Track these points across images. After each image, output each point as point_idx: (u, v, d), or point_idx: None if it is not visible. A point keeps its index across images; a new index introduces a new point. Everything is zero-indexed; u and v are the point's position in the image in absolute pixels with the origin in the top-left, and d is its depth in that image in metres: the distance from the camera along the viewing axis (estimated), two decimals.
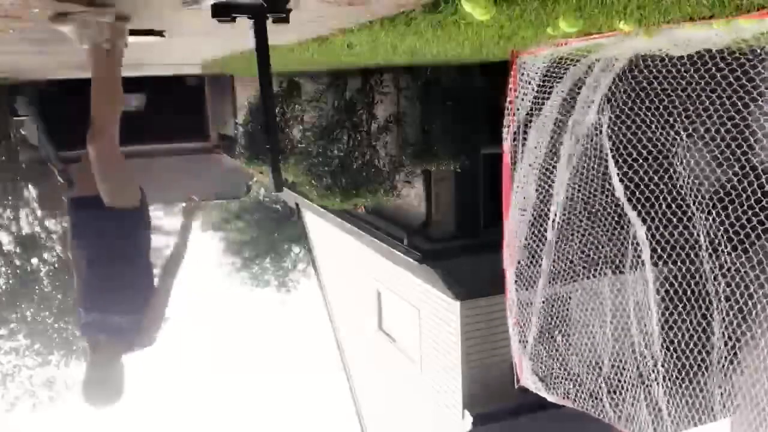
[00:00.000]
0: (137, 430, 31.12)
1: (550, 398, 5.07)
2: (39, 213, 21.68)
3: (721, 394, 4.47)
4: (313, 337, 38.10)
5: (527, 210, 4.45)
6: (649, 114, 4.14)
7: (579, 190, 4.53)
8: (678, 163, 3.81)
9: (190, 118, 18.45)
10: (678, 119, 3.82)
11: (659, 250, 4.34)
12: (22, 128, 18.62)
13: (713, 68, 3.71)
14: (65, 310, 23.98)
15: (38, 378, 23.72)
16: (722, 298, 3.96)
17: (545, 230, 4.47)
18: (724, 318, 4.02)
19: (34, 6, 2.54)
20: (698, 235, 4.03)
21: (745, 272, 4.59)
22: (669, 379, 4.37)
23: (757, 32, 2.53)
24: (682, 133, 3.76)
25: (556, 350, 5.30)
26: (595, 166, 4.41)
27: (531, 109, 4.17)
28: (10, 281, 22.43)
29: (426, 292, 9.66)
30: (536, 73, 4.03)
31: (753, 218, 4.40)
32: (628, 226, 4.36)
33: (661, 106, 3.79)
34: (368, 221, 10.08)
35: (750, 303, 4.68)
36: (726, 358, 4.36)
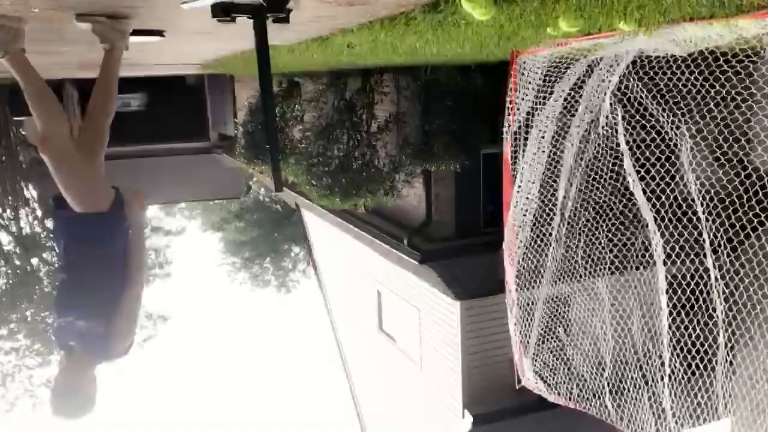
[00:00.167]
0: (137, 430, 31.11)
1: (552, 398, 5.07)
2: (39, 213, 21.67)
3: (724, 394, 4.47)
4: (313, 337, 38.17)
5: (528, 210, 4.45)
6: (652, 113, 4.14)
7: (584, 190, 4.53)
8: (683, 163, 3.81)
9: (190, 118, 18.45)
10: (681, 119, 3.82)
11: (668, 249, 4.35)
12: (22, 128, 18.62)
13: (716, 69, 3.71)
14: None
15: (38, 378, 23.74)
16: (722, 299, 3.96)
17: (547, 230, 4.48)
18: (724, 319, 4.02)
19: (35, 6, 2.54)
20: (699, 235, 4.03)
21: (744, 273, 4.59)
22: (675, 379, 4.37)
23: (757, 32, 2.53)
24: (686, 133, 3.76)
25: (559, 350, 5.31)
26: (602, 165, 4.41)
27: (531, 109, 4.17)
28: (10, 281, 22.42)
29: (426, 292, 9.66)
30: (536, 73, 4.03)
31: (753, 219, 4.41)
32: (635, 225, 4.37)
33: (664, 106, 3.79)
34: (368, 221, 10.08)
35: (749, 304, 4.69)
36: (726, 358, 4.36)
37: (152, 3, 2.72)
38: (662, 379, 4.34)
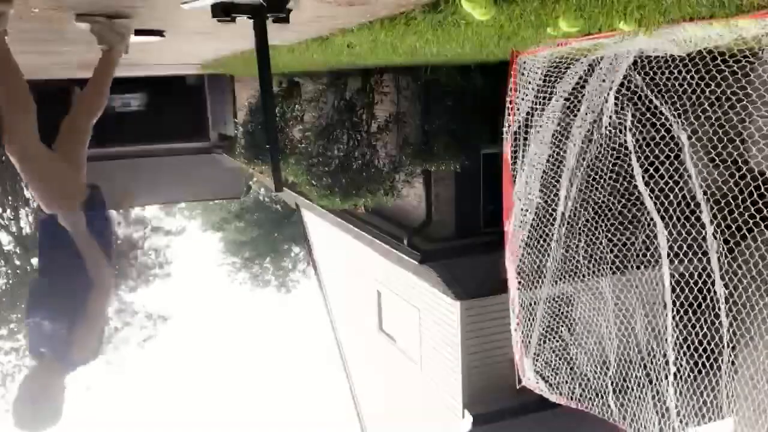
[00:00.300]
0: (137, 430, 31.10)
1: (553, 398, 5.07)
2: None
3: (728, 393, 4.47)
4: (313, 337, 38.16)
5: (530, 209, 4.45)
6: (653, 113, 4.14)
7: (585, 189, 4.53)
8: (685, 164, 3.81)
9: (190, 118, 18.45)
10: (681, 119, 3.82)
11: (675, 248, 4.35)
12: None
13: (713, 69, 3.71)
14: None
15: None
16: (722, 299, 3.96)
17: (548, 229, 4.48)
18: (724, 319, 4.02)
19: (34, 6, 2.54)
20: (699, 234, 4.03)
21: (742, 274, 4.59)
22: (680, 377, 4.36)
23: (757, 32, 2.53)
24: (684, 133, 3.77)
25: (561, 350, 5.31)
26: (604, 165, 4.41)
27: (531, 109, 4.17)
28: (10, 281, 22.43)
29: (426, 292, 9.66)
30: (536, 73, 4.03)
31: (749, 220, 4.41)
32: (636, 225, 4.37)
33: (665, 105, 3.79)
34: (368, 221, 10.08)
35: (748, 305, 4.69)
36: (729, 357, 4.37)
37: (152, 3, 2.72)
38: (666, 377, 4.34)
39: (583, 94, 3.96)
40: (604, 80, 3.78)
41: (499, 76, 4.59)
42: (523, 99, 4.14)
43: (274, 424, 34.23)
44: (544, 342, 5.05)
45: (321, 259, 14.57)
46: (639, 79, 3.73)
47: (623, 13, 2.55)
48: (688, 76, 3.74)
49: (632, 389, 4.90)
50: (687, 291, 4.63)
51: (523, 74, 4.08)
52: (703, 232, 3.86)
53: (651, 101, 3.78)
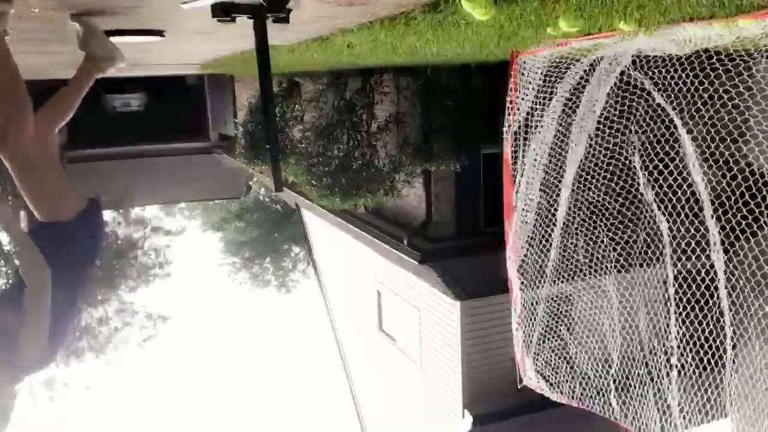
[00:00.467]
0: (137, 430, 31.12)
1: (554, 397, 5.07)
2: None
3: (729, 392, 4.47)
4: (313, 337, 38.17)
5: (530, 209, 4.46)
6: (654, 111, 4.14)
7: (585, 189, 4.53)
8: (686, 163, 3.82)
9: (190, 118, 18.46)
10: (680, 119, 3.83)
11: (683, 245, 4.36)
12: None
13: (709, 69, 3.72)
14: None
15: (38, 378, 23.74)
16: (725, 297, 3.96)
17: (549, 229, 4.48)
18: (726, 317, 4.02)
19: (34, 6, 2.54)
20: (697, 232, 4.04)
21: (739, 273, 4.60)
22: (684, 375, 4.37)
23: (757, 32, 2.53)
24: (684, 129, 3.77)
25: (561, 348, 5.31)
26: (603, 164, 4.41)
27: (531, 109, 4.17)
28: (10, 281, 22.40)
29: (426, 292, 9.66)
30: (536, 73, 4.03)
31: (742, 220, 4.42)
32: (636, 223, 4.37)
33: (663, 105, 3.79)
34: (368, 221, 10.08)
35: (745, 305, 4.69)
36: (730, 356, 4.37)
37: (152, 3, 2.72)
38: (668, 375, 4.34)
39: (583, 94, 3.96)
40: (600, 80, 3.79)
41: (499, 76, 4.59)
42: (523, 99, 4.14)
43: (274, 424, 34.26)
44: (545, 341, 5.05)
45: (321, 259, 14.57)
46: (641, 76, 3.73)
47: (623, 13, 2.55)
48: (684, 74, 3.74)
49: (634, 387, 4.90)
50: (692, 288, 4.64)
51: (523, 74, 4.08)
52: (702, 229, 3.86)
53: (653, 99, 3.78)
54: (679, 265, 4.38)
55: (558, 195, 4.34)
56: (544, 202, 4.42)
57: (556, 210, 4.40)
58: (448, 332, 9.29)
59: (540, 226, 4.52)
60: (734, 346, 4.51)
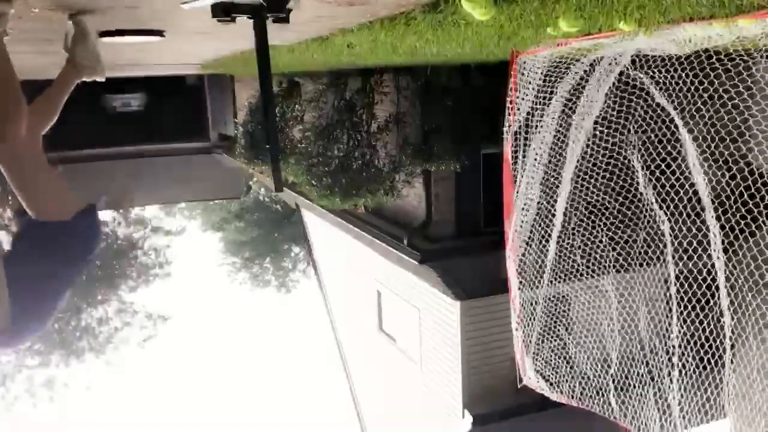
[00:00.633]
0: (137, 430, 31.12)
1: (554, 397, 5.07)
2: None
3: (728, 392, 4.48)
4: (313, 337, 38.16)
5: (530, 209, 4.46)
6: (654, 110, 4.15)
7: (585, 189, 4.53)
8: (687, 163, 3.82)
9: (190, 118, 18.45)
10: (681, 118, 3.83)
11: (684, 245, 4.36)
12: None
13: (708, 69, 3.72)
14: (65, 310, 23.95)
15: (38, 378, 23.76)
16: (725, 297, 3.96)
17: (549, 229, 4.48)
18: (727, 317, 4.02)
19: (34, 6, 2.54)
20: (698, 231, 4.04)
21: (738, 273, 4.60)
22: (685, 374, 4.37)
23: (757, 32, 2.53)
24: (686, 128, 3.77)
25: (562, 348, 5.31)
26: (602, 163, 4.41)
27: (531, 109, 4.17)
28: None
29: (426, 292, 9.66)
30: (536, 73, 4.03)
31: (740, 220, 4.42)
32: (640, 223, 4.37)
33: (664, 105, 3.80)
34: (368, 221, 10.08)
35: (744, 305, 4.69)
36: (728, 356, 4.37)
37: (152, 3, 2.72)
38: (669, 374, 4.35)
39: (583, 94, 3.97)
40: (600, 80, 3.79)
41: (499, 76, 4.59)
42: (523, 99, 4.14)
43: (275, 424, 34.25)
44: (544, 341, 5.05)
45: (321, 259, 14.57)
46: (642, 76, 3.73)
47: (623, 13, 2.55)
48: (683, 74, 3.74)
49: (634, 387, 4.91)
50: (694, 288, 4.64)
51: (523, 74, 4.08)
52: (702, 229, 3.86)
53: (652, 99, 3.79)
54: (680, 264, 4.38)
55: (557, 194, 4.34)
56: (543, 202, 4.43)
57: (555, 210, 4.40)
58: (448, 332, 9.29)
59: (539, 225, 4.52)
60: (733, 346, 4.51)
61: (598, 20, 2.69)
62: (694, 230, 4.36)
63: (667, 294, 4.28)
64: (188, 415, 35.42)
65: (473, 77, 8.23)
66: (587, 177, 4.58)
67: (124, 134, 17.25)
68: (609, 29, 2.81)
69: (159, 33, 3.47)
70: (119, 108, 18.89)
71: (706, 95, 4.09)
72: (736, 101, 4.47)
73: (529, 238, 4.56)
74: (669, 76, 3.76)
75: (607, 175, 4.65)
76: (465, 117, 8.27)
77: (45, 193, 2.45)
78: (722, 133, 5.04)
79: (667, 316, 4.32)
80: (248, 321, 49.66)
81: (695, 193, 3.96)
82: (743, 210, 4.51)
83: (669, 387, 4.36)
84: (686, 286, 4.54)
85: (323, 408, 40.35)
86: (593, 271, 5.03)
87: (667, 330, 4.38)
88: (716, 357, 4.45)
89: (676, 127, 3.72)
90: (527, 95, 4.12)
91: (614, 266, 4.98)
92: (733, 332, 4.23)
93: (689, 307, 4.50)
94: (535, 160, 4.28)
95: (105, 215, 25.48)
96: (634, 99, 4.21)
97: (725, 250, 3.82)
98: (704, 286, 4.46)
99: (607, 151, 4.42)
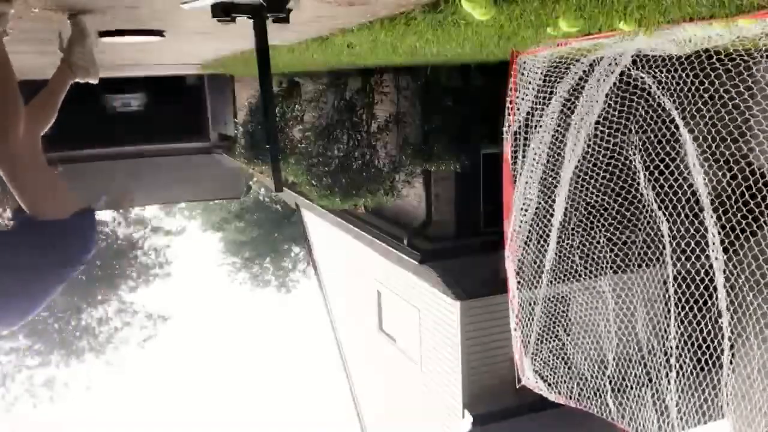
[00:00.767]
0: (137, 430, 31.10)
1: (552, 397, 5.07)
2: None
3: (727, 392, 4.48)
4: (313, 337, 38.15)
5: (530, 209, 4.46)
6: (655, 110, 4.15)
7: (584, 189, 4.53)
8: (687, 163, 3.82)
9: (190, 118, 18.46)
10: (680, 119, 3.83)
11: (683, 245, 4.36)
12: None
13: (709, 68, 3.72)
14: (65, 310, 23.97)
15: (38, 378, 23.76)
16: (723, 297, 3.96)
17: (548, 229, 4.48)
18: (725, 317, 4.02)
19: (34, 6, 2.54)
20: (697, 232, 4.04)
21: (737, 273, 4.60)
22: (683, 375, 4.37)
23: (757, 32, 2.53)
24: (686, 132, 3.77)
25: (559, 349, 5.31)
26: (601, 164, 4.41)
27: (531, 109, 4.17)
28: None
29: (426, 292, 9.66)
30: (536, 73, 4.03)
31: (742, 220, 4.42)
32: (639, 223, 4.37)
33: (664, 105, 3.80)
34: (368, 221, 10.08)
35: (744, 305, 4.69)
36: (728, 357, 4.38)
37: (152, 3, 2.72)
38: (666, 375, 4.35)
39: (583, 94, 3.97)
40: (599, 80, 3.79)
41: (499, 76, 4.59)
42: (523, 99, 4.14)
43: (275, 424, 34.25)
44: (543, 341, 5.05)
45: (321, 259, 14.57)
46: (644, 76, 3.73)
47: (623, 13, 2.55)
48: (684, 74, 3.75)
49: (631, 388, 4.91)
50: (692, 288, 4.64)
51: (523, 74, 4.08)
52: (702, 229, 3.87)
53: (653, 99, 3.79)
54: (678, 265, 4.38)
55: (557, 195, 4.34)
56: (542, 202, 4.43)
57: (554, 210, 4.40)
58: (447, 332, 9.29)
59: (538, 226, 4.52)
60: (732, 346, 4.51)
61: (598, 20, 2.69)
62: (692, 231, 4.36)
63: (666, 295, 4.29)
64: (188, 415, 35.42)
65: (473, 77, 8.23)
66: (587, 177, 4.58)
67: (124, 134, 17.26)
68: (609, 29, 2.81)
69: (159, 33, 3.47)
70: (119, 108, 18.90)
71: (706, 95, 4.09)
72: (737, 101, 4.47)
73: (527, 238, 4.56)
74: (669, 76, 3.76)
75: (607, 176, 4.65)
76: (465, 117, 8.27)
77: (44, 192, 2.45)
78: (723, 133, 5.03)
79: (665, 317, 4.32)
80: (248, 321, 49.70)
81: (694, 193, 3.97)
82: (744, 210, 4.51)
83: (666, 388, 4.36)
84: (684, 286, 4.54)
85: (323, 408, 40.36)
86: (591, 271, 5.03)
87: (665, 331, 4.38)
88: (714, 358, 4.45)
89: (676, 127, 3.72)
90: (527, 95, 4.12)
91: (613, 267, 4.98)
92: (732, 332, 4.23)
93: (687, 308, 4.50)
94: (535, 160, 4.28)
95: (105, 215, 25.50)
96: (635, 99, 4.21)
97: (726, 250, 3.82)
98: (702, 286, 4.46)
99: (607, 152, 4.42)
